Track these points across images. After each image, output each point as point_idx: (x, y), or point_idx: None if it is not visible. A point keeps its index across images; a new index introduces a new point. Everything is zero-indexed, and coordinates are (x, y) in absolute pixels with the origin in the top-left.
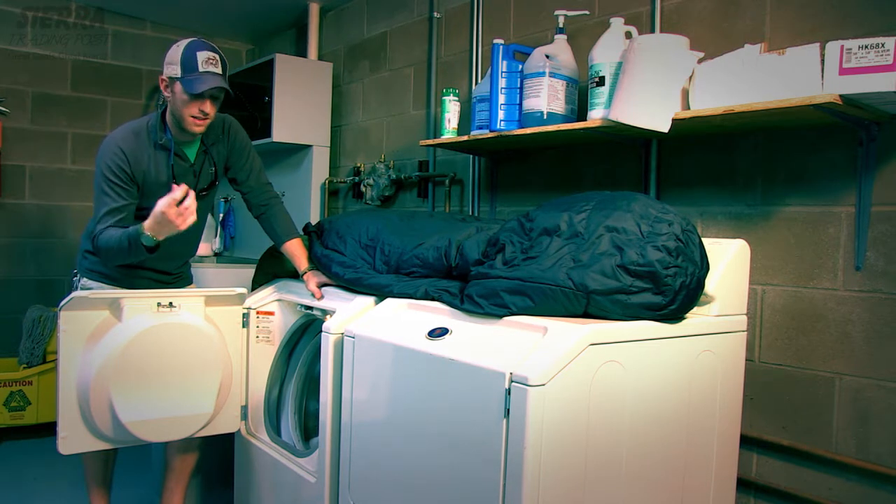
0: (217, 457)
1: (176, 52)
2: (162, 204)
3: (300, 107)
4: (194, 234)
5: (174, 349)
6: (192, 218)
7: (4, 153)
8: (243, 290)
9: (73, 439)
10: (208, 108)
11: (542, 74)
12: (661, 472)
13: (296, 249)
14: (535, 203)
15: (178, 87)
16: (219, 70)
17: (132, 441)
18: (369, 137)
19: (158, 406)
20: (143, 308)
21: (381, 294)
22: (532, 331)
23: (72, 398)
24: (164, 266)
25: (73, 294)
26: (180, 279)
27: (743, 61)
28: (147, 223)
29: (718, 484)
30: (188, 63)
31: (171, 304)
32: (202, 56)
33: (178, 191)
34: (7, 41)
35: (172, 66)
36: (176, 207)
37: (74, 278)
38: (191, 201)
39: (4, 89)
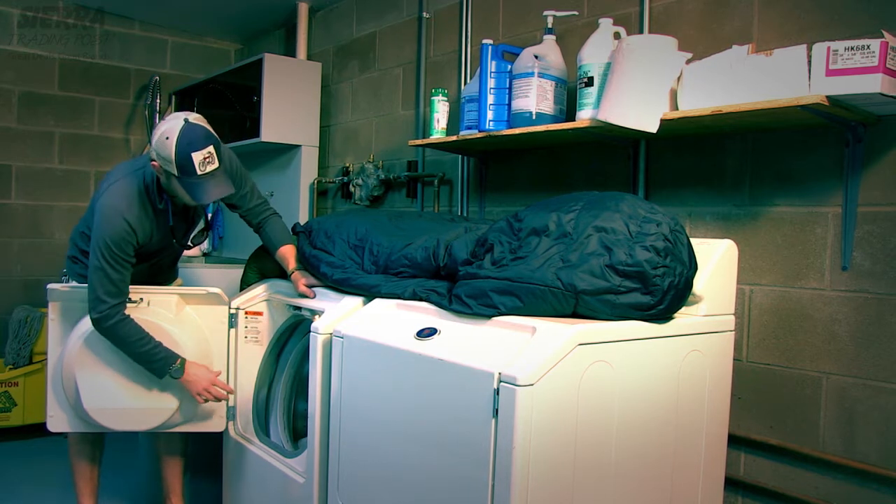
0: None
1: (167, 148)
2: (210, 379)
3: (289, 107)
4: (173, 262)
5: None
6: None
7: None
8: (217, 290)
9: (58, 419)
10: None
11: (531, 75)
12: (649, 472)
13: (287, 252)
14: (524, 203)
15: (175, 182)
16: (216, 164)
17: (106, 427)
18: (358, 137)
19: (121, 396)
20: None
21: (369, 294)
22: (521, 331)
23: (57, 381)
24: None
25: (50, 286)
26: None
27: (731, 62)
28: (189, 374)
29: (706, 483)
30: (185, 166)
31: (141, 299)
32: (198, 158)
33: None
34: None
35: (167, 163)
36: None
37: (63, 277)
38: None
39: None
